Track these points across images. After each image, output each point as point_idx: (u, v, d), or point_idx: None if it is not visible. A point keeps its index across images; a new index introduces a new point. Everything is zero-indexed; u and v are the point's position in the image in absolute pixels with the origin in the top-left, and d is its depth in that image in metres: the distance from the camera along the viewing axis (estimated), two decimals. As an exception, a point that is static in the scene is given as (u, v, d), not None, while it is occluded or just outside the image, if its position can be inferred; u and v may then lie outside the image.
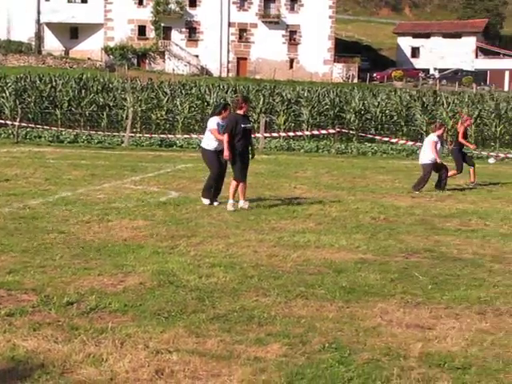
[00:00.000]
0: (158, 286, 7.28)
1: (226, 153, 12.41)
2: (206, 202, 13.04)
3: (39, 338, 5.64)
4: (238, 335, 5.81)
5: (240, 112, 12.74)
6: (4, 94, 33.87)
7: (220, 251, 9.06)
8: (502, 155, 28.47)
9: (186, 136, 30.86)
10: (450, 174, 17.00)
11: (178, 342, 5.63)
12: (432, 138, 16.55)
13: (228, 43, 76.39)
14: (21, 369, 5.03)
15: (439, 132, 16.53)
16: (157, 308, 6.49)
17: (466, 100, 38.43)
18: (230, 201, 12.46)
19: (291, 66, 76.57)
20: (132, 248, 9.12)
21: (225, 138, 12.40)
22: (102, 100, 34.49)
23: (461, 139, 18.04)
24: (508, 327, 6.24)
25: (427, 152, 16.46)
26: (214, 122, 13.24)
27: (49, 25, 75.47)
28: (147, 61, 75.09)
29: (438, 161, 16.12)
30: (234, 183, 12.62)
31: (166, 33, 75.85)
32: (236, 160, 12.62)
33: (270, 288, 7.28)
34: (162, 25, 75.35)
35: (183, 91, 37.21)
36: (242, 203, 12.62)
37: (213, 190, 13.23)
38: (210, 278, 7.66)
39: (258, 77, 71.31)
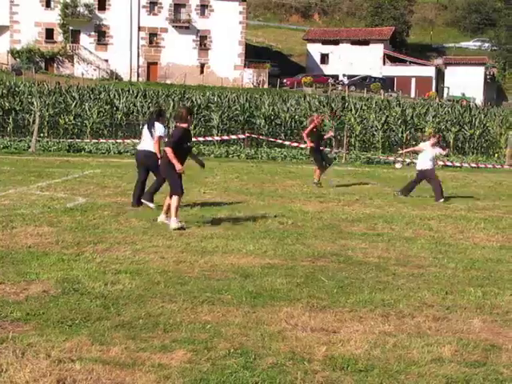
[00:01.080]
0: (62, 293, 7.14)
1: (179, 166, 11.16)
2: (152, 205, 13.11)
3: None
4: (143, 342, 5.75)
5: (184, 125, 11.59)
6: None
7: (127, 258, 8.96)
8: (408, 160, 29.17)
9: (94, 141, 30.46)
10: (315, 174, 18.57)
11: (81, 350, 5.53)
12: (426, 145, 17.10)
13: (138, 47, 75.71)
14: None
15: (433, 141, 17.06)
16: (60, 316, 6.36)
17: (374, 106, 39.21)
18: (174, 218, 11.23)
19: (202, 71, 76.50)
20: (36, 255, 8.91)
21: (169, 152, 11.17)
22: (7, 104, 33.73)
23: (304, 134, 19.30)
24: (410, 329, 6.38)
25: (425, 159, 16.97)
26: (161, 129, 13.48)
27: (-48, 26, 73.20)
28: (55, 65, 73.68)
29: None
30: (175, 198, 11.34)
31: (74, 36, 74.59)
32: (174, 174, 11.38)
33: (177, 294, 7.24)
34: (71, 28, 74.08)
35: (92, 96, 36.73)
36: (162, 218, 11.70)
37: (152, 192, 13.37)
38: (115, 284, 7.56)
39: (168, 82, 71.00)
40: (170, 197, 11.48)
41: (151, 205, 13.13)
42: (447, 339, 6.07)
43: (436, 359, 5.58)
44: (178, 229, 11.01)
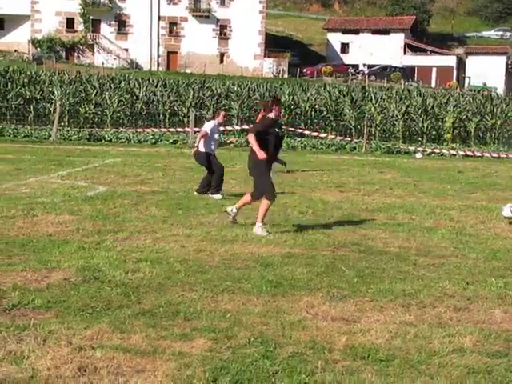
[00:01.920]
0: (83, 281, 7.16)
1: (262, 155, 9.95)
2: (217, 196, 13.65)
3: (-42, 336, 5.49)
4: (163, 330, 5.76)
5: (270, 115, 10.39)
6: None
7: (147, 246, 8.98)
8: (428, 150, 29.01)
9: (114, 130, 30.55)
10: None
11: (101, 338, 5.55)
12: None
13: (158, 37, 75.69)
14: None
15: None
16: (81, 304, 6.39)
17: (394, 96, 38.99)
18: (260, 224, 10.11)
19: (222, 61, 76.39)
20: (57, 243, 8.96)
21: (251, 138, 10.09)
22: (28, 93, 33.89)
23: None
24: (431, 319, 6.35)
25: None
26: (208, 126, 14.16)
27: (-27, 16, 73.57)
28: (76, 54, 73.85)
29: None
30: (266, 202, 10.14)
31: (94, 26, 74.70)
32: (262, 174, 10.25)
33: (197, 283, 7.25)
34: (91, 17, 74.18)
35: (112, 85, 36.78)
36: (229, 208, 10.75)
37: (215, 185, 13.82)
38: (136, 273, 7.58)
39: (188, 71, 70.94)
40: (252, 196, 10.41)
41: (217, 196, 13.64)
42: (468, 329, 6.03)
43: (457, 349, 5.55)
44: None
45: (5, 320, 5.90)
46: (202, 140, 13.97)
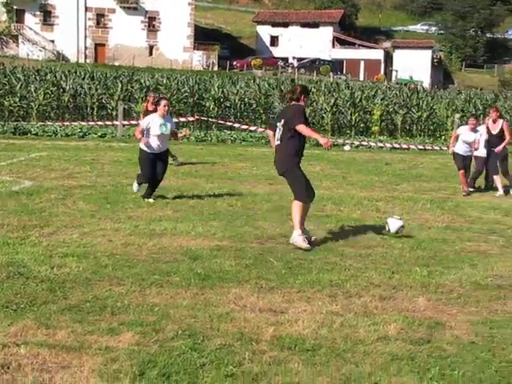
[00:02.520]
0: (7, 277, 7.03)
1: (323, 140, 9.11)
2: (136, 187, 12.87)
3: None
4: (90, 325, 5.71)
5: (302, 104, 9.40)
6: None
7: (74, 241, 8.86)
8: (356, 143, 29.38)
9: (41, 123, 29.99)
10: None
11: (26, 334, 5.47)
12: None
13: (85, 28, 74.67)
14: None
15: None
16: (5, 300, 6.27)
17: (323, 89, 39.28)
18: (298, 231, 9.06)
19: (151, 53, 75.82)
20: (-19, 239, 8.77)
21: (304, 128, 8.98)
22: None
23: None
24: (357, 309, 6.45)
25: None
26: (145, 120, 12.62)
27: None
28: (-1, 45, 72.34)
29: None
30: (297, 204, 9.14)
31: (18, 16, 73.16)
32: (295, 169, 9.22)
33: (125, 277, 7.20)
34: (15, 7, 72.67)
35: (38, 77, 36.04)
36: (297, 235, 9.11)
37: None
38: (62, 268, 7.48)
39: (116, 63, 70.16)
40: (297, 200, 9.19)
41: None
42: (393, 318, 6.15)
43: (382, 337, 5.66)
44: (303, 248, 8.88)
45: None
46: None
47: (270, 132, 9.88)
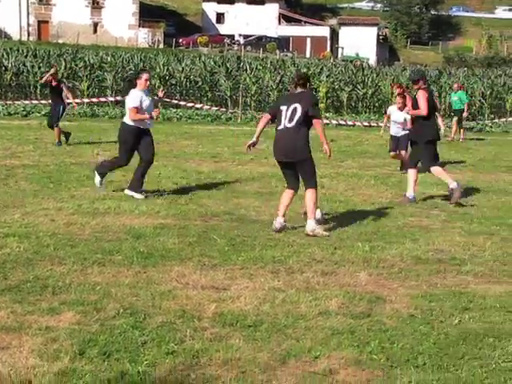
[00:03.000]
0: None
1: (327, 148, 8.93)
2: (139, 196, 10.70)
3: None
4: (30, 306, 5.66)
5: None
6: None
7: (15, 221, 8.74)
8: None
9: (-17, 102, 29.43)
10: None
11: (-36, 316, 5.40)
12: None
13: (28, 5, 73.17)
14: None
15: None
16: None
17: (269, 66, 39.28)
18: (313, 220, 8.78)
19: (95, 31, 74.73)
20: None
21: (322, 124, 8.95)
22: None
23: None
24: (299, 284, 6.50)
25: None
26: (133, 97, 10.97)
27: None
28: None
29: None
30: (314, 192, 8.87)
31: (-42, -8, 71.42)
32: (312, 158, 8.97)
33: (66, 256, 7.14)
34: (-46, -17, 70.87)
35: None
36: (318, 214, 9.20)
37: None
38: (2, 248, 7.38)
39: (60, 41, 68.97)
40: (312, 188, 8.89)
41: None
42: (334, 293, 6.22)
43: (323, 312, 5.72)
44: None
45: None
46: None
47: (267, 115, 9.22)
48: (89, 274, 6.58)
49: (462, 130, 24.82)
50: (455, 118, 24.60)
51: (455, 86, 26.24)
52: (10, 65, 33.10)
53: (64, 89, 17.83)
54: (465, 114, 24.26)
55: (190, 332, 5.18)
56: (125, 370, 4.52)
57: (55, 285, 6.21)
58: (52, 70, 18.09)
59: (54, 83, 17.58)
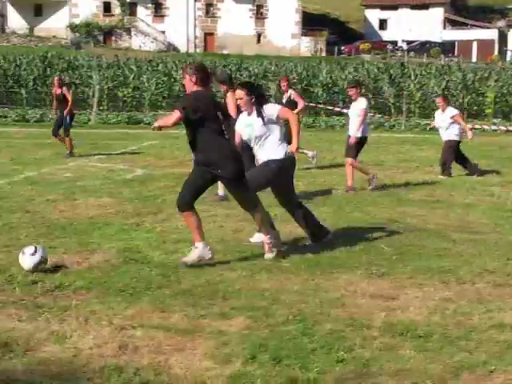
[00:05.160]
0: (123, 262, 7.25)
1: None
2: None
3: (2, 317, 5.61)
4: (203, 309, 5.82)
5: None
6: (-32, 74, 33.50)
7: (185, 227, 8.96)
8: (469, 126, 28.68)
9: (153, 113, 30.70)
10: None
11: (142, 317, 5.63)
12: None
13: (195, 18, 75.76)
14: (-17, 348, 5.01)
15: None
16: (121, 285, 6.47)
17: (434, 71, 38.57)
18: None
19: (259, 41, 76.25)
20: (98, 226, 9.08)
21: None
22: (67, 78, 34.15)
23: None
24: (470, 295, 6.31)
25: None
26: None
27: (12, 2, 74.17)
28: (113, 38, 74.16)
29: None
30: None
31: (131, 9, 74.92)
32: None
33: (235, 262, 7.29)
34: (128, 1, 74.45)
35: (150, 68, 36.92)
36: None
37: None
38: (175, 253, 7.65)
39: (225, 52, 70.94)
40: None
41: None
42: (509, 305, 5.99)
43: (497, 325, 5.51)
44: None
45: (47, 301, 6.02)
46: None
47: None
48: (257, 280, 6.69)
49: None
50: None
51: None
52: (178, 76, 34.34)
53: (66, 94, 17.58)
54: None
55: (359, 341, 5.14)
56: (295, 376, 4.56)
57: (225, 290, 6.35)
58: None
59: (57, 92, 17.67)
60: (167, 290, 6.33)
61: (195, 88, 7.25)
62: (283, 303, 6.00)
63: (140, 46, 70.28)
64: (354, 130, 12.25)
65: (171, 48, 72.07)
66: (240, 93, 7.79)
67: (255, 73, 35.50)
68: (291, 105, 14.19)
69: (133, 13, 75.02)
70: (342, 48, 76.04)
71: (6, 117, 29.21)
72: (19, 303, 5.97)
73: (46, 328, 5.39)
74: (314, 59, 53.64)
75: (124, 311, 5.76)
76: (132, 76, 34.37)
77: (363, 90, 12.67)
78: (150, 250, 7.78)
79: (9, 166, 14.85)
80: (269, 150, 7.84)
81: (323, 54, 74.12)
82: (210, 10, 76.23)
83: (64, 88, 17.65)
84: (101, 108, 31.67)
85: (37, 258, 6.83)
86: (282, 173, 7.88)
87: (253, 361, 4.80)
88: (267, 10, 76.30)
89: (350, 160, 12.23)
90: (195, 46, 75.33)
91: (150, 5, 75.33)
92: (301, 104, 14.59)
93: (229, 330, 5.38)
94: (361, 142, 12.31)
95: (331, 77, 34.65)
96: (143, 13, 75.31)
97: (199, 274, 6.85)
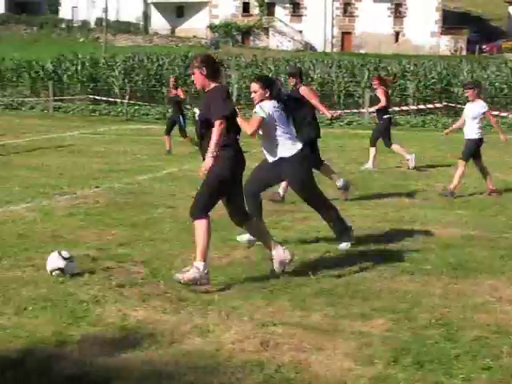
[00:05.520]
0: (263, 259, 7.32)
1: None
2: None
3: (148, 309, 5.80)
4: (343, 309, 5.80)
5: None
6: (114, 73, 34.83)
7: (324, 226, 8.97)
8: None
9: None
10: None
11: (282, 314, 5.68)
12: None
13: (332, 17, 75.60)
14: (131, 338, 5.19)
15: None
16: (261, 281, 6.54)
17: None
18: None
19: (397, 40, 75.20)
20: (237, 223, 9.18)
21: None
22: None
23: None
24: None
25: None
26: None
27: (156, 4, 76.60)
28: (251, 37, 75.11)
29: None
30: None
31: (269, 9, 75.67)
32: None
33: (375, 263, 7.21)
34: (266, 1, 75.22)
35: (287, 67, 37.08)
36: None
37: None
38: (314, 252, 7.65)
39: (362, 51, 70.37)
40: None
41: None
42: None
43: None
44: None
45: (190, 295, 6.16)
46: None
47: None
48: (398, 282, 6.60)
49: None
50: None
51: None
52: (315, 75, 34.36)
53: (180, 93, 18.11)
54: None
55: (506, 348, 4.97)
56: (439, 382, 4.46)
57: (366, 291, 6.30)
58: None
59: (173, 93, 18.06)
60: (307, 289, 6.34)
61: (207, 82, 6.66)
62: (425, 306, 5.89)
63: (277, 46, 70.83)
64: (472, 133, 11.85)
65: (308, 47, 72.23)
66: (255, 86, 7.64)
67: (393, 72, 34.96)
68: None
69: (271, 13, 75.73)
70: (484, 47, 73.83)
71: (148, 115, 30.19)
72: (163, 296, 6.15)
73: (189, 321, 5.52)
74: (454, 58, 52.38)
75: (264, 308, 5.82)
76: (270, 75, 34.63)
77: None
78: (289, 247, 7.79)
79: (151, 163, 15.32)
80: (278, 147, 7.67)
81: (463, 52, 72.23)
82: (347, 9, 75.86)
83: (179, 89, 18.29)
84: (239, 107, 32.12)
85: (62, 263, 6.64)
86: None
87: (395, 364, 4.74)
88: (406, 9, 75.12)
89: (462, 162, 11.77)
90: (332, 46, 75.17)
91: (287, 5, 75.79)
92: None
93: (370, 331, 5.33)
94: (477, 144, 11.84)
95: (472, 76, 33.62)
96: (281, 13, 75.86)
97: (339, 274, 6.82)
